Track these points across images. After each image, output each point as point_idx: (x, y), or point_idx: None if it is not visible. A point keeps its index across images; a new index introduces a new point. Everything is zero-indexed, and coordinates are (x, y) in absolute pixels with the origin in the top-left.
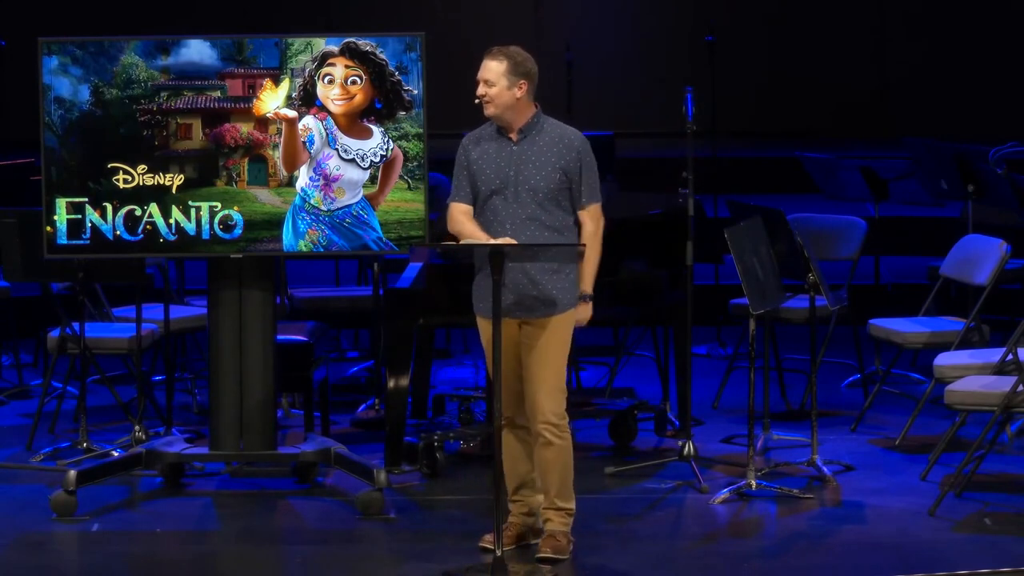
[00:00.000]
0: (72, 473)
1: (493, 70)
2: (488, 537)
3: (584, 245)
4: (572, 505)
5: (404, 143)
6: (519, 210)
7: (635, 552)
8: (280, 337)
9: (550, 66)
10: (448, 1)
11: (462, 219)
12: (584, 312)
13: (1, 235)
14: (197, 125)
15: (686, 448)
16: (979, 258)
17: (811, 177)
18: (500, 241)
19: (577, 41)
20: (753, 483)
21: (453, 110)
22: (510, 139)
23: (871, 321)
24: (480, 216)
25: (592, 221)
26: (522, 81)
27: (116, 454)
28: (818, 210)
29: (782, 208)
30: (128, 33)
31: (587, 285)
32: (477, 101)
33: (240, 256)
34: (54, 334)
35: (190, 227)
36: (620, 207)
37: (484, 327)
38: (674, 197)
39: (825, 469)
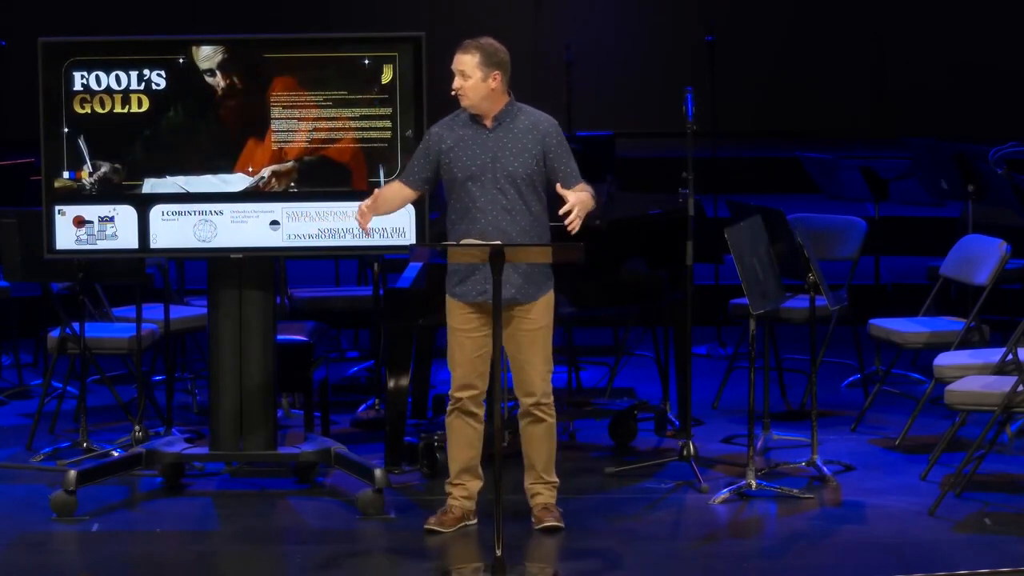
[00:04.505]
0: (72, 473)
1: (467, 63)
2: (432, 519)
3: (583, 244)
4: (557, 479)
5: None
6: (499, 196)
7: (635, 552)
8: (280, 337)
9: (550, 66)
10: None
11: (386, 187)
12: (582, 196)
13: (1, 235)
14: None
15: (686, 448)
16: (979, 258)
17: (811, 177)
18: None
19: (577, 41)
20: (753, 483)
21: (453, 110)
22: (485, 126)
23: (871, 321)
24: (456, 202)
25: (586, 192)
26: (496, 72)
27: (116, 454)
28: (818, 210)
29: (782, 208)
30: (128, 33)
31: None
32: (453, 93)
33: (240, 256)
34: (54, 334)
35: None
36: (620, 207)
37: (455, 310)
38: (674, 197)
39: (825, 469)
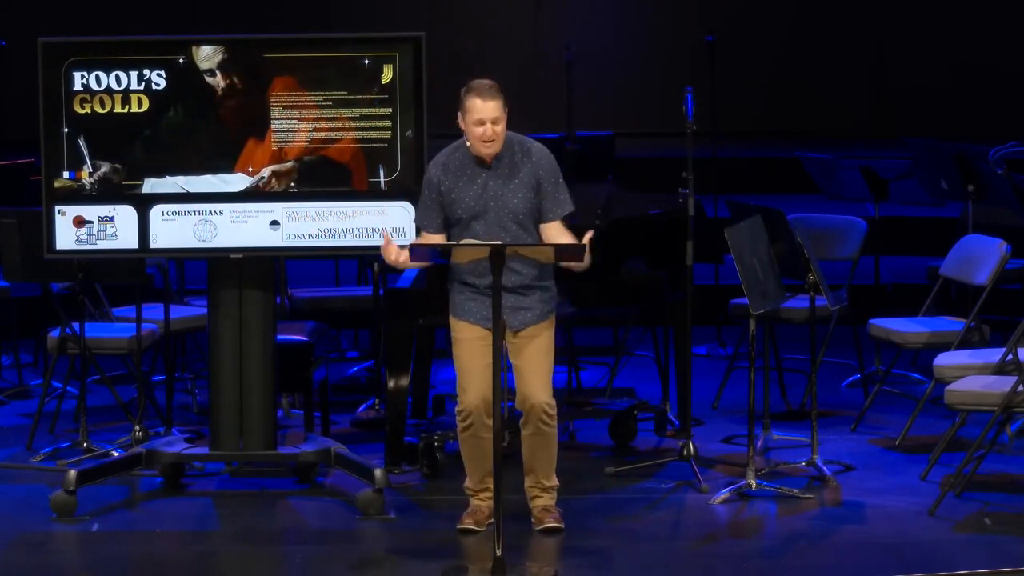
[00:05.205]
0: (72, 473)
1: (497, 109)
2: (467, 520)
3: (584, 244)
4: (557, 483)
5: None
6: (501, 234)
7: (635, 552)
8: (280, 337)
9: (550, 66)
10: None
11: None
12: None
13: (1, 235)
14: None
15: (686, 448)
16: (979, 258)
17: (811, 177)
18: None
19: (577, 41)
20: (753, 483)
21: (453, 110)
22: (484, 164)
23: (871, 321)
24: (459, 239)
25: (568, 237)
26: (507, 109)
27: (116, 454)
28: (818, 210)
29: (782, 208)
30: (128, 33)
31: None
32: (466, 143)
33: (240, 256)
34: (54, 334)
35: None
36: (620, 207)
37: (465, 330)
38: (674, 197)
39: (825, 469)
